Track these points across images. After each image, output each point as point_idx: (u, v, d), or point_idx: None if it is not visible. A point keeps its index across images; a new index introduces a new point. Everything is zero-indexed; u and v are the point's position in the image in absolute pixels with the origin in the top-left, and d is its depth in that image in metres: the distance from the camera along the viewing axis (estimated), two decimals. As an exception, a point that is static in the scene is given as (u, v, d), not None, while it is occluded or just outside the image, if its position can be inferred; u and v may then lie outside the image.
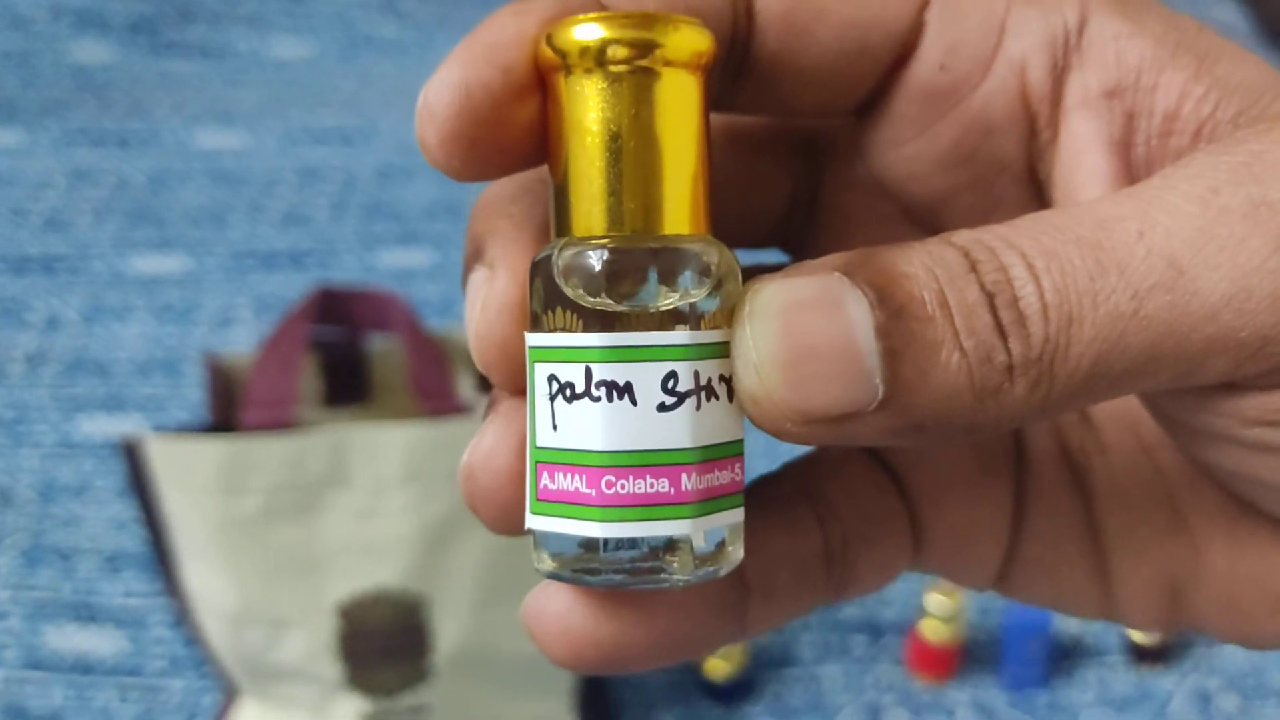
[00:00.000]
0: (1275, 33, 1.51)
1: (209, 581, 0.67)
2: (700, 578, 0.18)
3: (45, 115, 1.36)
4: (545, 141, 0.18)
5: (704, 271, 0.18)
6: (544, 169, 0.19)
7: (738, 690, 0.81)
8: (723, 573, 0.18)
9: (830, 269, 0.17)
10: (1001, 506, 0.22)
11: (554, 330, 0.18)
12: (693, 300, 0.17)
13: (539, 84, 0.18)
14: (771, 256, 0.24)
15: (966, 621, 0.82)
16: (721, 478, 0.18)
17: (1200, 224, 0.16)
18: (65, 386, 1.03)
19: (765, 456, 0.22)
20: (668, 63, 0.17)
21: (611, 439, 0.17)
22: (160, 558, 0.69)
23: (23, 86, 1.41)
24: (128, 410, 1.01)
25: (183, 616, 0.70)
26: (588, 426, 0.17)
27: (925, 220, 0.22)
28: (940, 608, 0.79)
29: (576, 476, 0.17)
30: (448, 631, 0.68)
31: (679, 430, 0.17)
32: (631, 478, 0.17)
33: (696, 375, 0.17)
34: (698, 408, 0.17)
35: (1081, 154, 0.20)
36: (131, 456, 0.66)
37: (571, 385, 0.17)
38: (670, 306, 0.17)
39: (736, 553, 0.19)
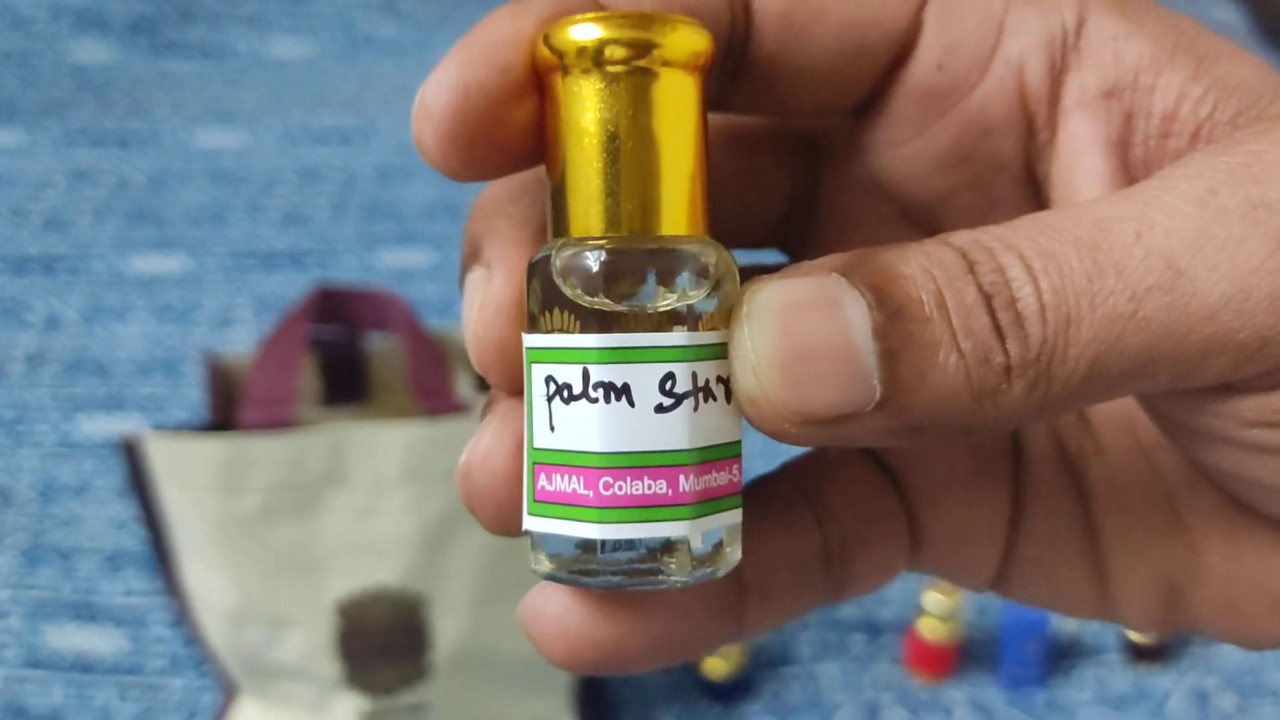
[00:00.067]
0: (1273, 33, 1.51)
1: (208, 580, 0.67)
2: (698, 579, 0.18)
3: (45, 115, 1.36)
4: (543, 142, 0.18)
5: (702, 272, 0.18)
6: (542, 169, 0.19)
7: (736, 689, 0.81)
8: (720, 574, 0.18)
9: (828, 270, 0.17)
10: (999, 507, 0.22)
11: (551, 331, 0.18)
12: (690, 301, 0.17)
13: (536, 84, 0.18)
14: (770, 257, 0.24)
15: (964, 620, 0.83)
16: (719, 479, 0.18)
17: (1198, 225, 0.16)
18: (65, 386, 1.03)
19: (763, 457, 0.22)
20: (665, 63, 0.17)
21: (609, 440, 0.17)
22: (160, 557, 0.69)
23: (23, 86, 1.41)
24: (127, 410, 1.01)
25: (182, 615, 0.70)
26: (585, 427, 0.17)
27: (923, 220, 0.22)
28: (938, 607, 0.79)
29: (574, 477, 0.17)
30: (446, 630, 0.68)
31: (677, 431, 0.17)
32: (629, 479, 0.17)
33: (694, 376, 0.17)
34: (695, 409, 0.17)
35: (1079, 154, 0.20)
36: (131, 455, 0.66)
37: (569, 386, 0.17)
38: (668, 307, 0.17)
39: (734, 554, 0.18)
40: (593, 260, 0.17)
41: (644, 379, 0.17)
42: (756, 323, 0.17)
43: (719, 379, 0.18)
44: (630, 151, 0.18)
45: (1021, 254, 0.16)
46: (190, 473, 0.64)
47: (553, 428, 0.18)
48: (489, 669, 0.70)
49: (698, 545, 0.18)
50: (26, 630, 0.84)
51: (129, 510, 0.89)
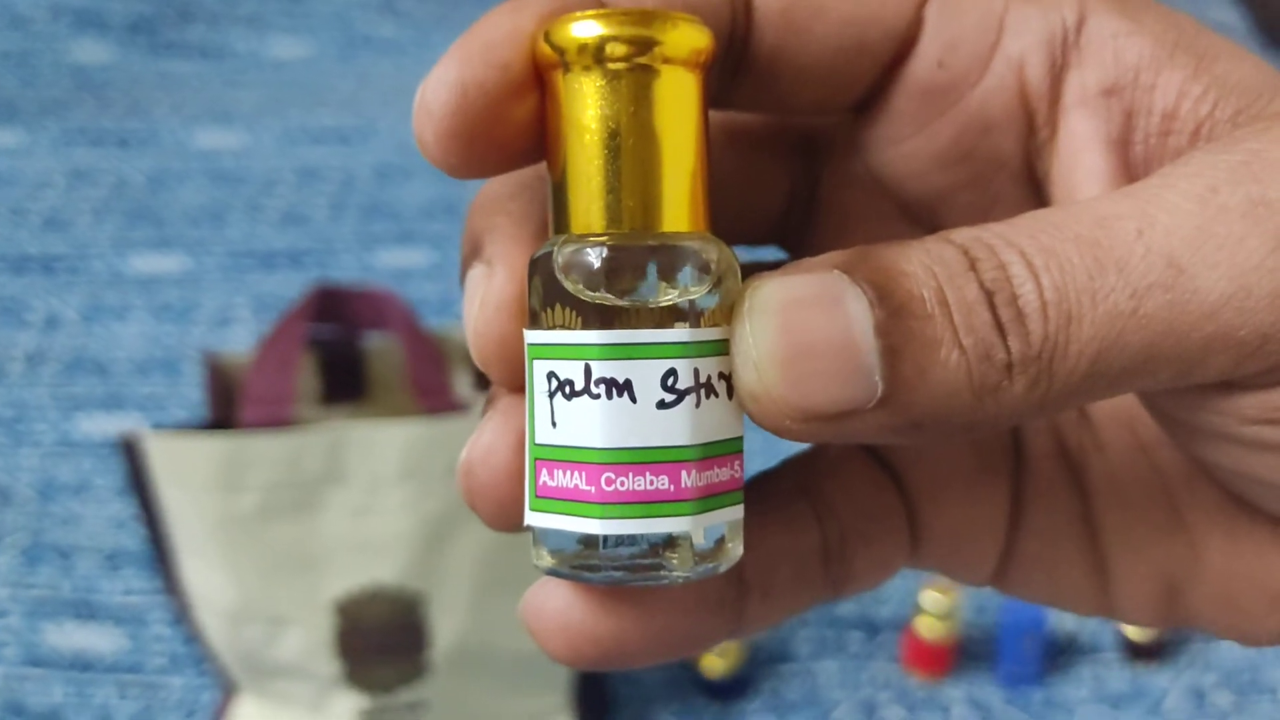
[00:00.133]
0: (1273, 33, 1.51)
1: (207, 579, 0.67)
2: (700, 574, 0.18)
3: (44, 115, 1.36)
4: (544, 139, 0.18)
5: (703, 268, 0.18)
6: (541, 166, 0.19)
7: (734, 687, 0.81)
8: (722, 569, 0.18)
9: (830, 266, 0.17)
10: (999, 504, 0.22)
11: (553, 327, 0.18)
12: (692, 297, 0.17)
13: (536, 81, 0.18)
14: (770, 255, 0.24)
15: (962, 619, 0.83)
16: (721, 475, 0.18)
17: (1199, 222, 0.16)
18: (64, 386, 1.03)
19: (763, 455, 0.22)
20: (666, 60, 0.17)
21: (611, 436, 0.17)
22: (159, 555, 0.69)
23: (22, 86, 1.41)
24: (127, 409, 1.01)
25: (181, 614, 0.70)
26: (587, 424, 0.17)
27: (924, 218, 0.22)
28: (936, 605, 0.79)
29: (576, 473, 0.17)
30: (445, 628, 0.68)
31: (678, 427, 0.17)
32: (631, 475, 0.17)
33: (696, 373, 0.17)
34: (697, 405, 0.17)
35: (1080, 152, 0.20)
36: (130, 454, 0.66)
37: (571, 382, 0.17)
38: (670, 303, 0.17)
39: (736, 549, 0.19)
40: (594, 256, 0.17)
41: (646, 375, 0.17)
42: (758, 319, 0.17)
43: (720, 375, 0.18)
44: (631, 148, 0.18)
45: (1023, 251, 0.16)
46: (189, 471, 0.65)
47: (554, 424, 0.18)
48: (487, 667, 0.70)
49: (700, 541, 0.18)
50: (26, 629, 0.84)
51: (128, 509, 0.89)
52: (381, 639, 0.68)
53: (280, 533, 0.65)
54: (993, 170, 0.21)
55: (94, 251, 1.18)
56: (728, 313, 0.18)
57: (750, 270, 0.19)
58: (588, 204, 0.18)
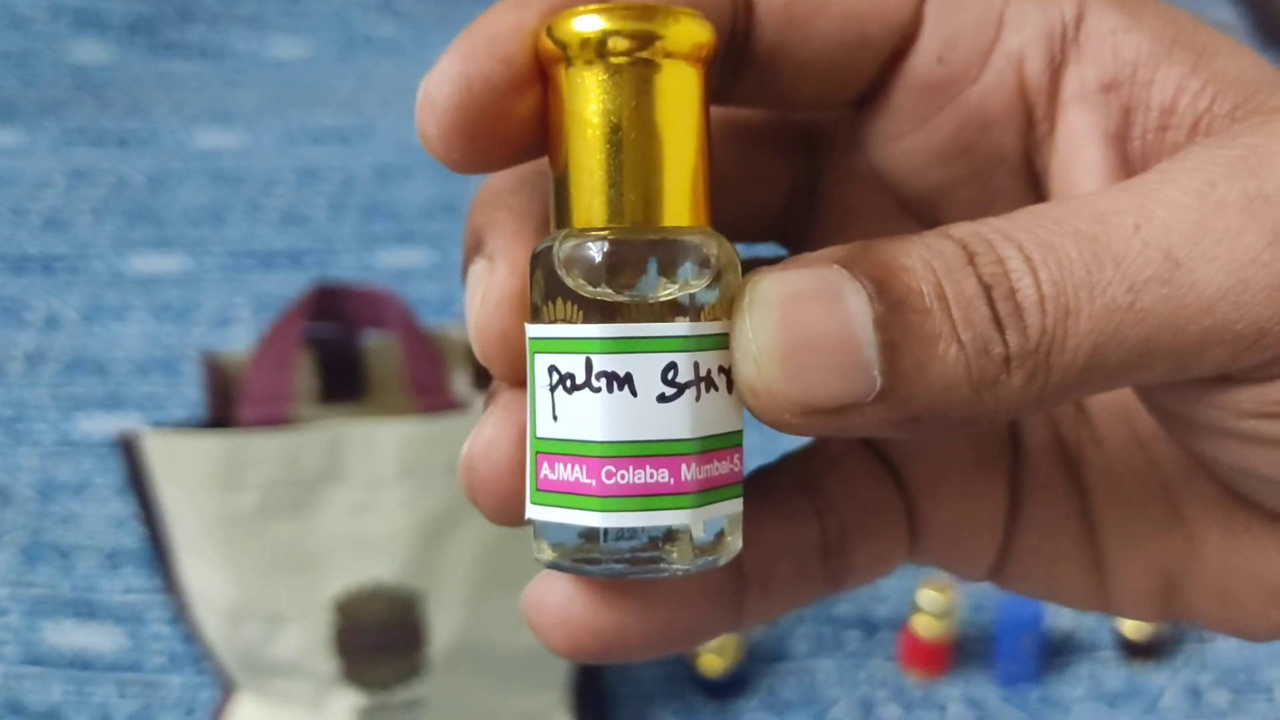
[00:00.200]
0: (1271, 33, 1.51)
1: (206, 577, 0.67)
2: (699, 567, 0.18)
3: (44, 115, 1.36)
4: (545, 133, 0.19)
5: (704, 263, 0.18)
6: (544, 161, 0.19)
7: (732, 685, 0.81)
8: (722, 562, 0.18)
9: (829, 261, 0.17)
10: (997, 498, 0.22)
11: (554, 321, 0.18)
12: (692, 291, 0.17)
13: (538, 76, 0.18)
14: (770, 250, 0.24)
15: (959, 617, 0.83)
16: (721, 468, 0.18)
17: (1197, 217, 0.16)
18: (64, 385, 1.03)
19: (763, 453, 0.22)
20: (668, 55, 0.17)
21: (612, 429, 0.17)
22: (158, 554, 0.69)
23: (22, 86, 1.41)
24: (126, 409, 1.01)
25: (180, 612, 0.71)
26: (588, 417, 0.17)
27: (923, 213, 0.22)
28: (933, 604, 0.79)
29: (577, 467, 0.17)
30: (442, 626, 0.68)
31: (679, 421, 0.17)
32: (631, 468, 0.17)
33: (696, 366, 0.17)
34: (697, 399, 0.17)
35: (1078, 147, 0.20)
36: (129, 453, 0.66)
37: (572, 376, 0.17)
38: (670, 297, 0.17)
39: (735, 543, 0.19)
40: (595, 251, 0.17)
41: (646, 369, 0.17)
42: (758, 313, 0.17)
43: (721, 369, 0.18)
44: (633, 143, 0.18)
45: (1021, 246, 0.17)
46: (188, 470, 0.65)
47: (555, 417, 0.18)
48: (485, 665, 0.70)
49: (699, 534, 0.18)
50: (25, 627, 0.84)
51: (127, 508, 0.89)
52: (380, 637, 0.68)
53: (279, 531, 0.66)
54: (992, 165, 0.21)
55: (94, 251, 1.18)
56: (728, 307, 0.18)
57: (749, 266, 0.19)
58: (589, 198, 0.18)
